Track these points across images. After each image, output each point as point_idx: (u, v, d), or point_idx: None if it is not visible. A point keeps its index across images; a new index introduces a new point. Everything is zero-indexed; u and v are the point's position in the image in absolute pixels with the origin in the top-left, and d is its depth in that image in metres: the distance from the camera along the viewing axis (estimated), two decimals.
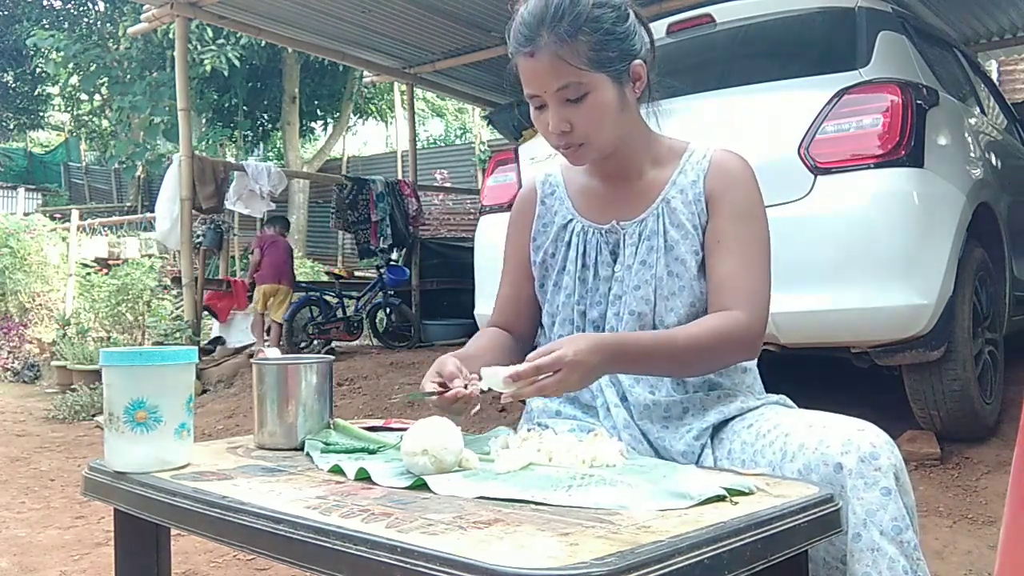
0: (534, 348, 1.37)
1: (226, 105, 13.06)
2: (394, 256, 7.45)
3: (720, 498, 0.90)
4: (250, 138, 14.12)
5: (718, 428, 1.26)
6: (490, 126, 9.55)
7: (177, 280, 6.41)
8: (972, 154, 3.08)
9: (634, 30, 1.25)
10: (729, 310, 1.21)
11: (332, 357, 1.36)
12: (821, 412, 1.17)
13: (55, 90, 16.56)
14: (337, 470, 1.08)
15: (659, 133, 1.37)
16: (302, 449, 1.25)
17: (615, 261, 1.32)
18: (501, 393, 1.11)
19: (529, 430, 1.18)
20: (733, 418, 1.26)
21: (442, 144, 19.18)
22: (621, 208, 1.34)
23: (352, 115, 15.10)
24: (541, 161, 3.24)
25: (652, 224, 1.30)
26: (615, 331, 1.30)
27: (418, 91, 10.21)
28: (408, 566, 0.73)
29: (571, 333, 1.33)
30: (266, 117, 13.99)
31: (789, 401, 1.33)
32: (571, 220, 1.37)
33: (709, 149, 1.34)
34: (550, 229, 1.39)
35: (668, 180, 1.32)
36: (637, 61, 1.26)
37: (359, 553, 0.77)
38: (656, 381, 1.28)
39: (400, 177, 9.08)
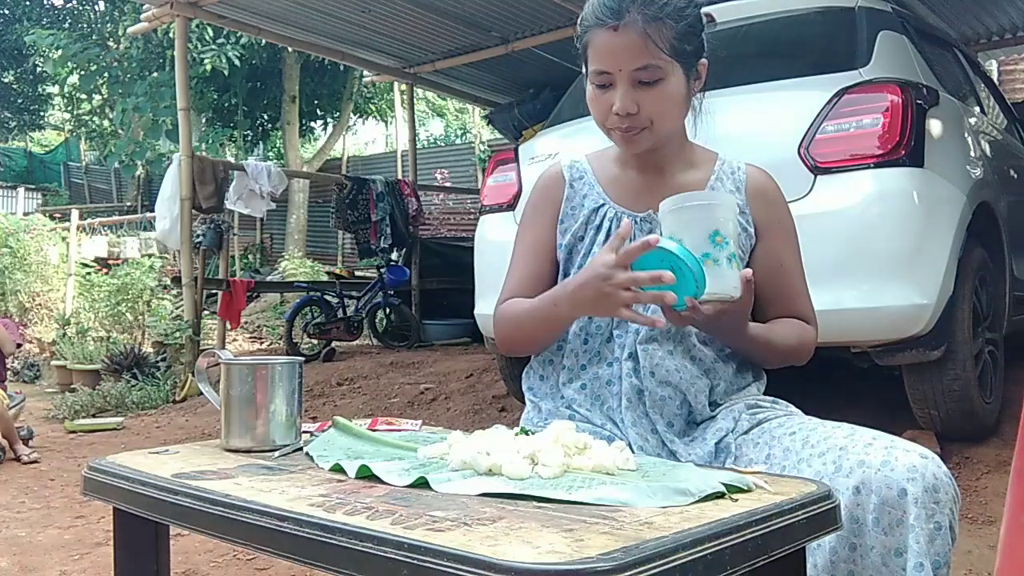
0: None
1: (226, 105, 13.03)
2: (394, 256, 7.44)
3: (720, 495, 0.91)
4: (250, 138, 14.08)
5: (744, 433, 1.25)
6: (490, 126, 9.53)
7: (177, 280, 6.39)
8: (972, 154, 3.08)
9: (704, 30, 1.29)
10: (801, 321, 1.34)
11: (301, 359, 1.31)
12: (863, 428, 1.17)
13: (55, 89, 16.53)
14: (338, 469, 1.09)
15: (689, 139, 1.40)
16: (272, 451, 1.22)
17: None
18: None
19: (530, 433, 1.18)
20: (760, 424, 1.26)
21: (442, 144, 19.15)
22: (656, 199, 1.33)
23: (352, 115, 15.06)
24: (541, 161, 3.24)
25: None
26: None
27: (418, 91, 10.20)
28: (416, 562, 0.73)
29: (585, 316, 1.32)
30: (266, 117, 13.95)
31: (793, 407, 1.34)
32: (603, 205, 1.37)
33: (739, 162, 1.38)
34: (579, 212, 1.38)
35: (706, 184, 1.35)
36: (703, 60, 1.30)
37: (366, 550, 0.77)
38: (674, 390, 1.27)
39: (400, 177, 9.07)
